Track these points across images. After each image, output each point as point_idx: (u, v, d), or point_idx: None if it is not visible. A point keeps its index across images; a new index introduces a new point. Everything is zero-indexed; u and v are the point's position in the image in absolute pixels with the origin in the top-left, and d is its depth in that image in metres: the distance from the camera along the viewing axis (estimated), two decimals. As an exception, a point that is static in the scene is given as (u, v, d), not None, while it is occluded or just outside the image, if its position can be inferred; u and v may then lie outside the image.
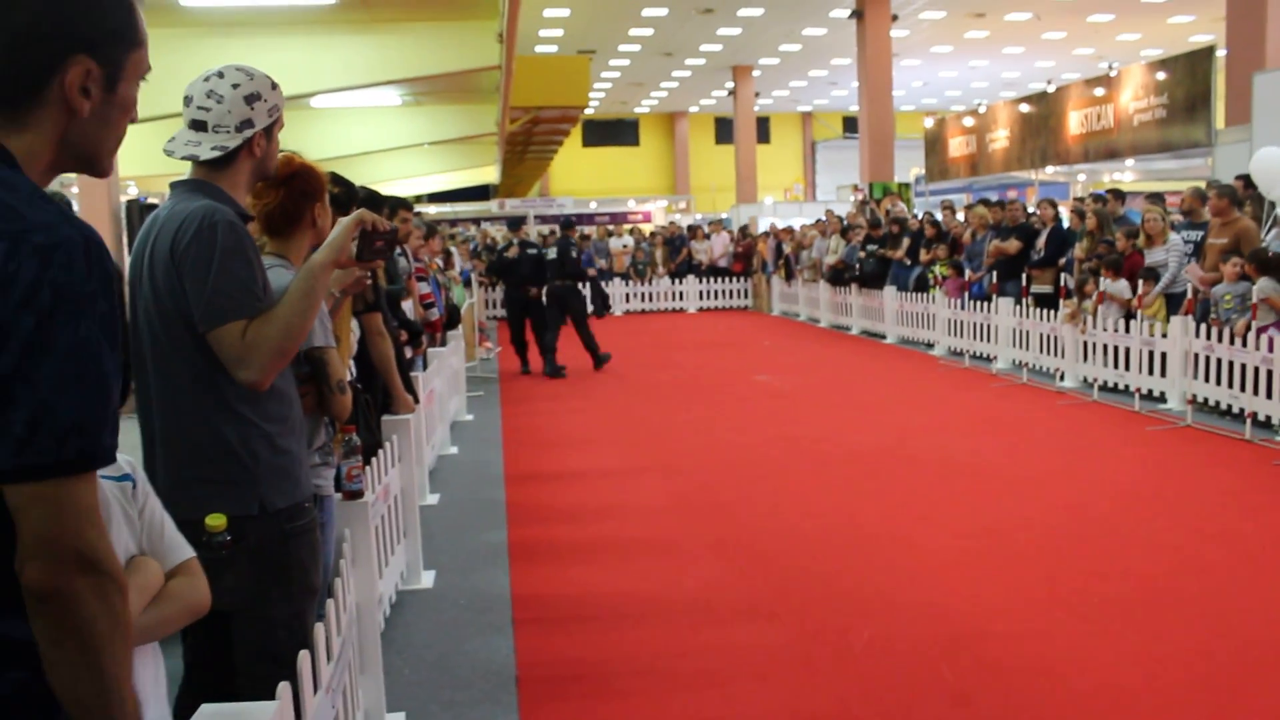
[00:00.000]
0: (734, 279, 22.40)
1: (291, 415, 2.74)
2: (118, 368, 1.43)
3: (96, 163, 1.56)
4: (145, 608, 1.77)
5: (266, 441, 2.64)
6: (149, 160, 12.86)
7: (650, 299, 22.22)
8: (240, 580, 2.61)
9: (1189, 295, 9.59)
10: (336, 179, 4.65)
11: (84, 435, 1.38)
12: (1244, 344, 8.53)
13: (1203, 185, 11.64)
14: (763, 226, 25.37)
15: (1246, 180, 10.28)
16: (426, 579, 5.52)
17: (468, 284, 14.44)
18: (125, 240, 9.74)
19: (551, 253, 13.18)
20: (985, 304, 12.57)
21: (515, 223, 14.43)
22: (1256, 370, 8.38)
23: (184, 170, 2.76)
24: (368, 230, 2.75)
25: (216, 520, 2.52)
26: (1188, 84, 15.44)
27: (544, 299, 13.04)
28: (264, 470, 2.63)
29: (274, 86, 2.72)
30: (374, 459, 4.58)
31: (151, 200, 15.00)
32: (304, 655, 2.62)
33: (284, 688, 2.43)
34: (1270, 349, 8.22)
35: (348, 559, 3.70)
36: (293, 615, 2.74)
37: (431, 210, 37.77)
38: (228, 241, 2.54)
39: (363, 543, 3.96)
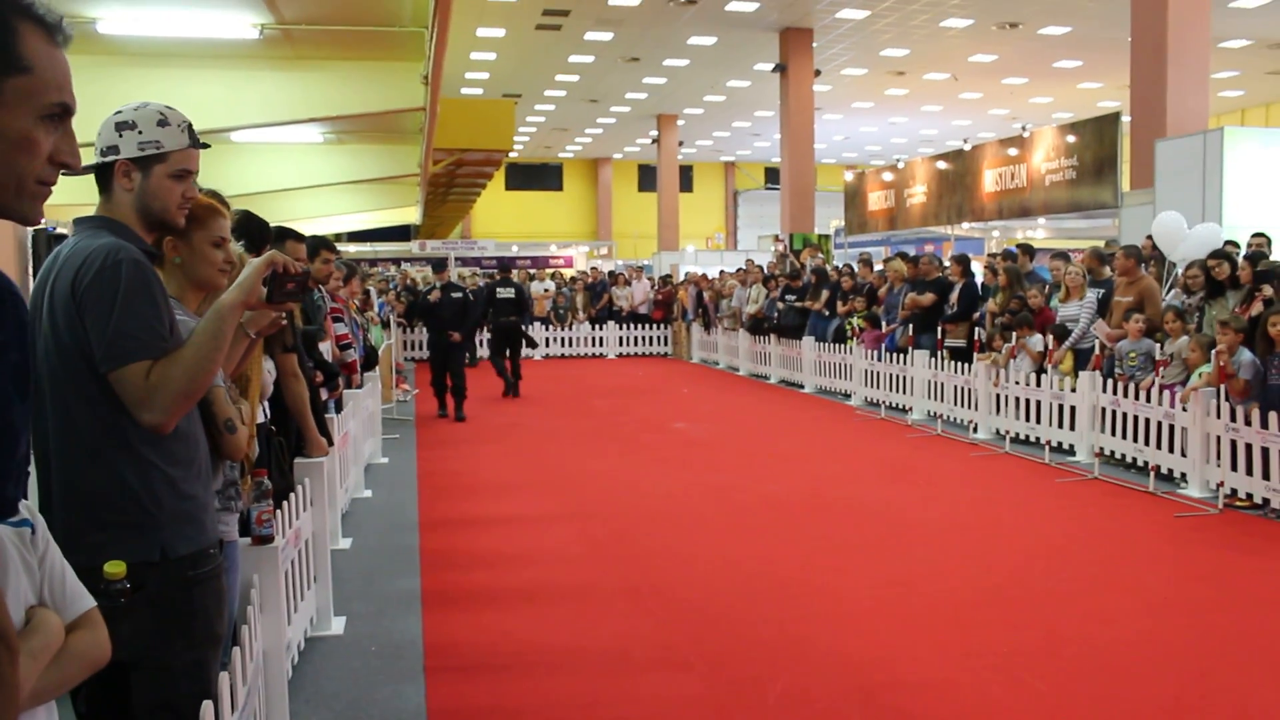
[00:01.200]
0: (654, 326, 22.51)
1: (197, 458, 2.66)
2: (27, 419, 1.37)
3: None
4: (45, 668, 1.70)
5: (169, 486, 2.55)
6: (60, 190, 12.55)
7: (570, 344, 22.21)
8: (140, 629, 2.51)
9: (1096, 351, 9.87)
10: (250, 218, 4.58)
11: None
12: (1149, 399, 8.78)
13: (1102, 245, 12.05)
14: (684, 274, 25.57)
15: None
16: (337, 625, 5.40)
17: (386, 325, 14.31)
18: (30, 271, 9.47)
19: (509, 291, 14.83)
20: (901, 356, 12.78)
21: (439, 264, 14.34)
22: (1160, 425, 8.62)
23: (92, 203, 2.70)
24: (279, 272, 2.70)
25: (115, 567, 2.43)
26: (1096, 147, 15.97)
27: (482, 337, 13.42)
28: (166, 515, 2.54)
29: (163, 124, 2.63)
30: (285, 502, 4.48)
31: (61, 230, 14.62)
32: (207, 705, 2.54)
33: (184, 740, 2.35)
34: (1173, 404, 8.47)
35: (255, 605, 3.60)
36: (195, 664, 2.64)
37: (352, 249, 37.42)
38: (132, 280, 2.47)
39: (271, 588, 3.86)
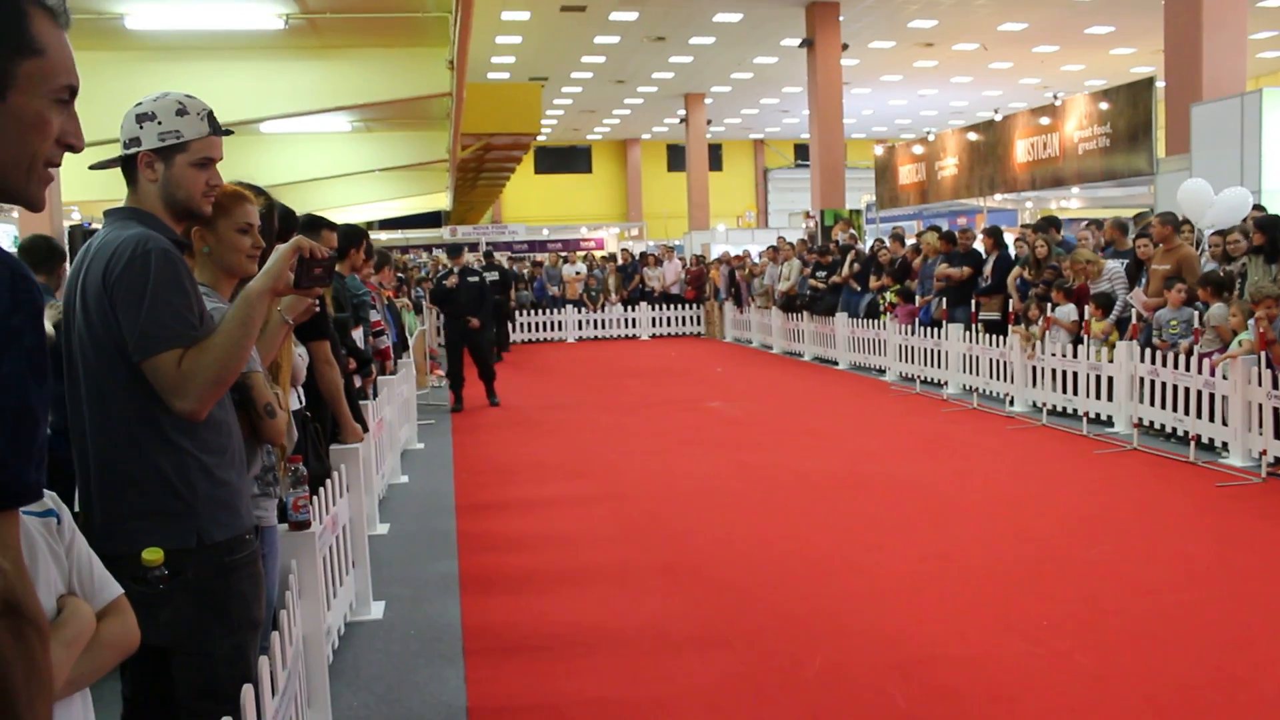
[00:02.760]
0: (687, 306, 22.47)
1: (230, 445, 2.69)
2: (45, 403, 1.38)
3: (4, 184, 1.47)
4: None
5: (204, 473, 2.58)
6: (93, 185, 12.69)
7: (603, 326, 22.21)
8: (178, 615, 2.55)
9: (1133, 320, 9.76)
10: (315, 221, 4.64)
11: (6, 471, 1.32)
12: (1187, 368, 8.67)
13: (1124, 216, 11.92)
14: (715, 253, 25.48)
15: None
16: (376, 610, 5.45)
17: (419, 311, 14.36)
18: (68, 265, 9.57)
19: (495, 275, 13.49)
20: (935, 330, 12.69)
21: (455, 249, 13.62)
22: (1199, 394, 8.52)
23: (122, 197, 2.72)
24: (305, 257, 2.72)
25: (153, 554, 2.46)
26: (1129, 114, 15.73)
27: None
28: (202, 502, 2.57)
29: (182, 113, 2.64)
30: (322, 488, 4.52)
31: (95, 225, 14.79)
32: (247, 690, 2.56)
33: (225, 723, 2.38)
34: (1212, 373, 8.36)
35: (294, 590, 3.63)
36: (234, 649, 2.67)
37: (383, 237, 37.60)
38: (162, 270, 2.49)
39: (309, 574, 3.90)
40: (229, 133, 2.77)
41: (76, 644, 1.72)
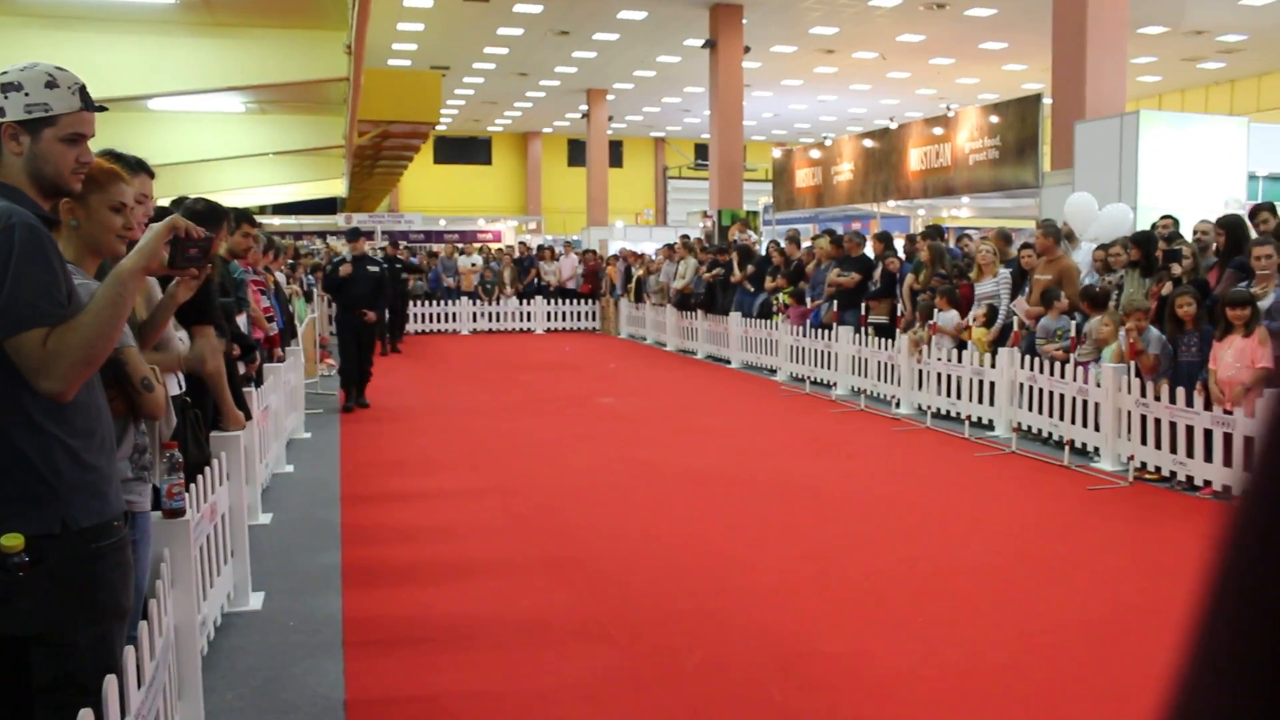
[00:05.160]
0: (582, 301, 22.47)
1: (99, 429, 2.61)
2: None
3: None
4: None
5: (70, 456, 2.50)
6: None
7: (497, 319, 22.09)
8: (40, 603, 2.47)
9: (1015, 328, 10.06)
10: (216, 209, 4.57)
11: None
12: (1063, 375, 8.97)
13: (1007, 227, 12.29)
14: (613, 249, 25.52)
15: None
16: (255, 600, 5.34)
17: (309, 299, 14.09)
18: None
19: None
20: (826, 332, 12.91)
21: (354, 233, 12.60)
22: (1074, 400, 8.82)
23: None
24: (180, 237, 2.65)
25: (13, 540, 2.38)
26: (1018, 128, 16.20)
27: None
28: (67, 487, 2.49)
29: (52, 86, 2.55)
30: (200, 476, 4.42)
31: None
32: (110, 680, 2.50)
33: (85, 714, 2.31)
34: (1086, 380, 8.67)
35: (165, 579, 3.55)
36: (98, 639, 2.60)
37: (276, 222, 36.80)
38: (26, 244, 2.40)
39: (183, 562, 3.81)
40: (103, 109, 2.68)
41: None
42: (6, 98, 2.53)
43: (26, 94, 2.53)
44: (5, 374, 2.41)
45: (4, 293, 2.37)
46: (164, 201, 5.36)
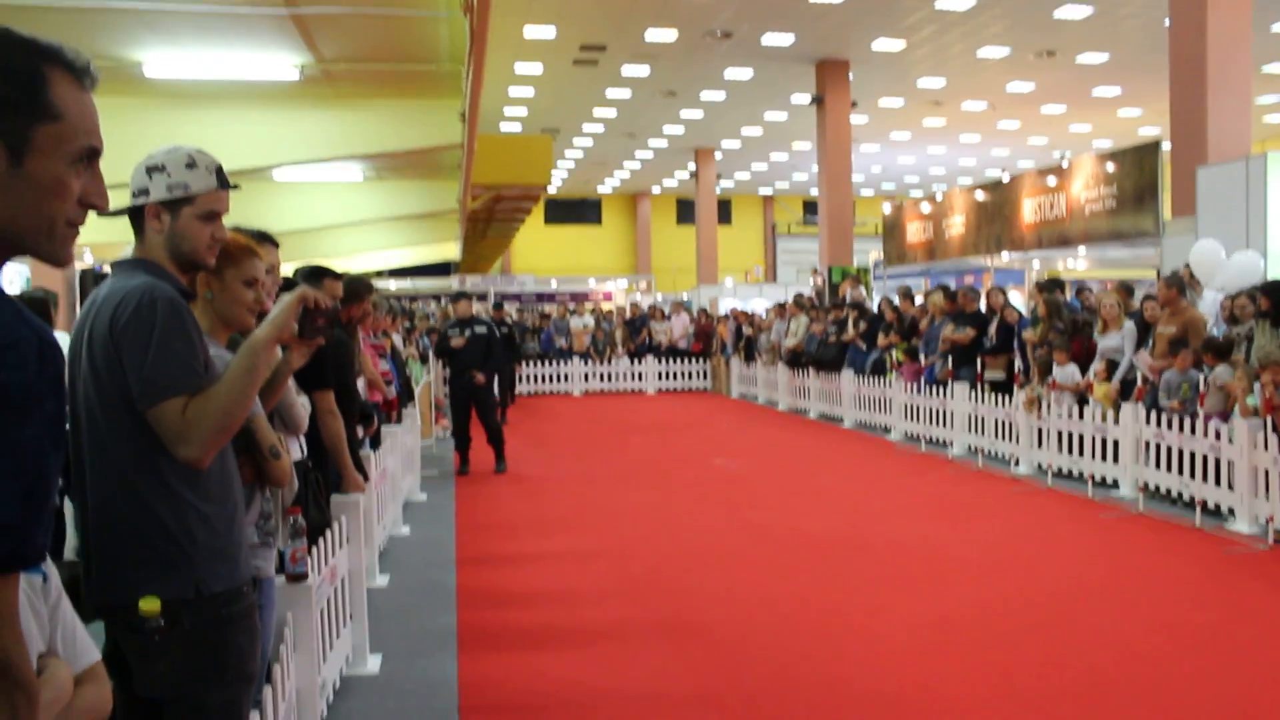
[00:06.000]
0: (693, 360, 22.48)
1: (231, 495, 2.69)
2: (59, 470, 1.39)
3: (27, 246, 1.48)
4: None
5: (204, 522, 2.57)
6: (105, 228, 12.78)
7: (609, 379, 22.22)
8: (174, 666, 2.53)
9: (1139, 383, 9.73)
10: (319, 271, 4.77)
11: (16, 535, 1.33)
12: (1193, 431, 8.63)
13: (1127, 278, 11.91)
14: (723, 308, 25.54)
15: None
16: (373, 664, 5.40)
17: (425, 361, 14.38)
18: (78, 306, 9.63)
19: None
20: (941, 389, 12.67)
21: (459, 296, 12.49)
22: (1205, 458, 8.47)
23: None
24: (310, 308, 2.73)
25: (150, 604, 2.45)
26: (1136, 176, 15.81)
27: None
28: (201, 552, 2.56)
29: (191, 166, 2.68)
30: (321, 539, 4.50)
31: (107, 269, 14.89)
32: (238, 746, 2.54)
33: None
34: (1218, 437, 8.32)
35: (289, 644, 3.61)
36: (228, 703, 2.66)
37: (392, 285, 37.77)
38: (168, 318, 2.51)
39: (305, 627, 3.87)
40: (236, 187, 2.80)
41: (52, 708, 1.70)
42: (151, 179, 2.67)
43: (169, 175, 2.66)
44: (145, 442, 2.50)
45: (147, 364, 2.47)
46: (287, 269, 5.53)
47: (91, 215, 1.62)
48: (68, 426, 2.62)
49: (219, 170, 2.73)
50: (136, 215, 2.70)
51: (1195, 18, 13.29)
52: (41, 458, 1.35)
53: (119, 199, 2.78)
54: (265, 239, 3.76)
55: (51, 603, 1.82)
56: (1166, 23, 14.41)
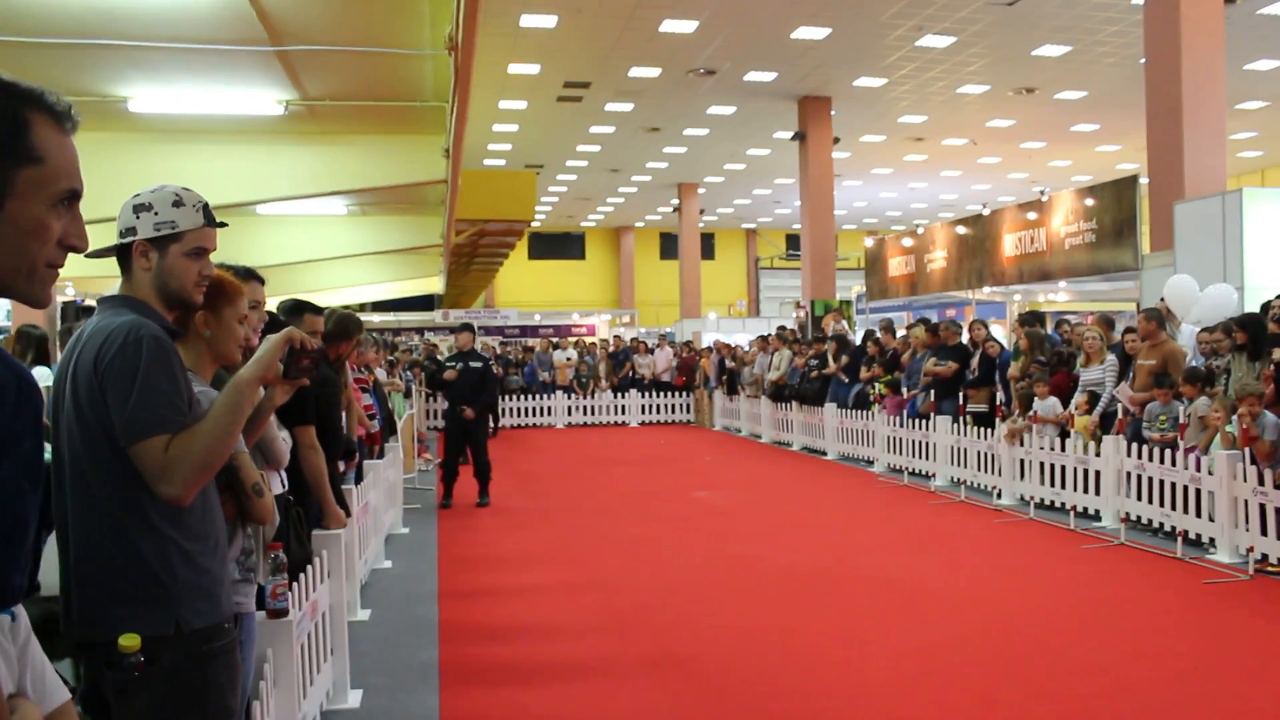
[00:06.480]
0: (676, 393, 22.50)
1: (213, 532, 2.69)
2: (36, 509, 1.39)
3: (5, 286, 1.49)
4: None
5: (185, 559, 2.57)
6: (87, 262, 12.74)
7: (592, 412, 22.22)
8: (153, 703, 2.52)
9: (1120, 415, 9.80)
10: (301, 306, 4.83)
11: None
12: (1174, 463, 8.69)
13: (1109, 312, 11.99)
14: (706, 341, 25.59)
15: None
16: (353, 699, 5.36)
17: (408, 394, 14.36)
18: (58, 342, 9.60)
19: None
20: (923, 422, 12.71)
21: (463, 328, 12.33)
22: (1186, 489, 8.52)
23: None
24: (295, 348, 2.75)
25: (130, 640, 2.44)
26: (1115, 210, 15.97)
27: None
28: (182, 589, 2.56)
29: (178, 205, 2.71)
30: (302, 574, 4.48)
31: (89, 302, 14.82)
32: (216, 783, 2.52)
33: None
34: (1198, 468, 8.37)
35: (269, 680, 3.59)
36: (208, 740, 2.64)
37: (375, 319, 37.75)
38: (152, 356, 2.52)
39: (285, 663, 3.85)
40: (223, 225, 2.82)
41: None
42: (139, 218, 2.69)
43: (155, 213, 2.69)
44: (126, 478, 2.51)
45: (131, 401, 2.48)
46: (271, 304, 5.54)
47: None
48: (49, 461, 2.63)
49: (206, 208, 2.76)
50: (124, 253, 2.71)
51: (1170, 57, 13.49)
52: (18, 499, 1.36)
53: (105, 234, 2.81)
54: (251, 275, 3.78)
55: (20, 643, 1.81)
56: (1142, 61, 14.62)
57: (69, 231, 1.55)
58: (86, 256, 2.88)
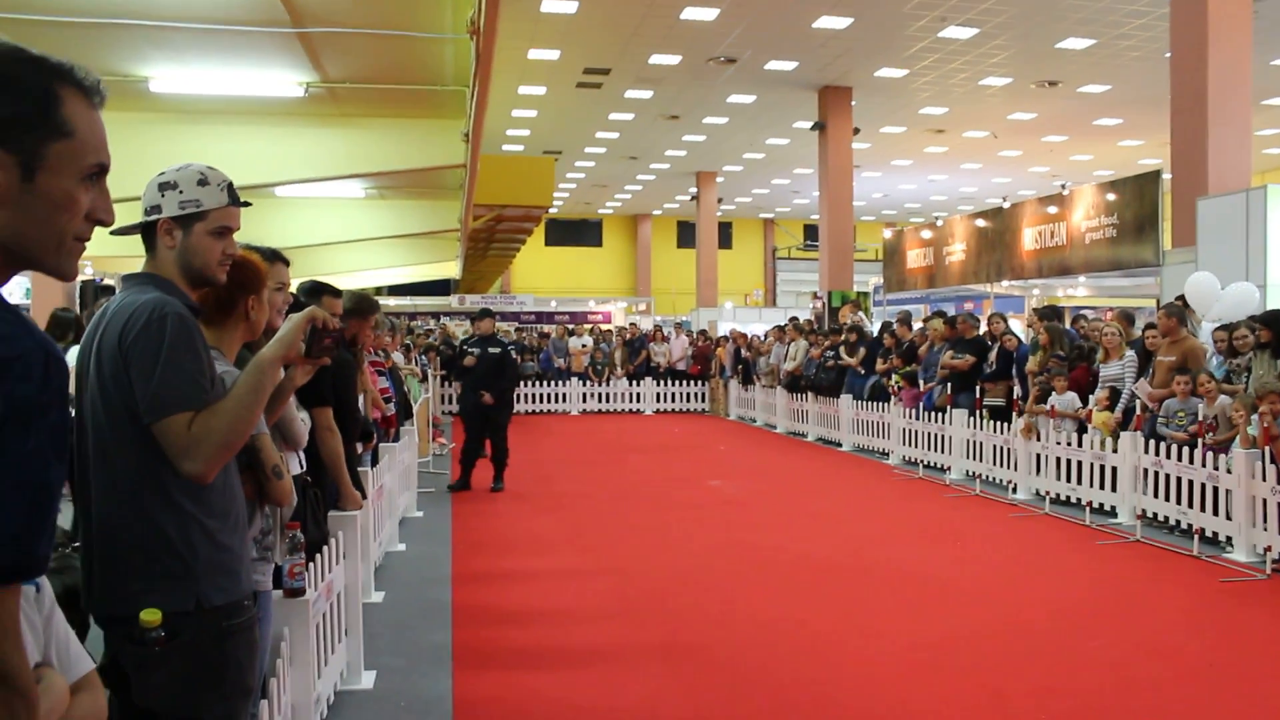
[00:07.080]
0: (692, 382, 22.49)
1: (234, 510, 2.70)
2: (62, 480, 1.40)
3: (34, 260, 1.51)
4: None
5: (206, 536, 2.59)
6: (106, 241, 12.80)
7: (607, 400, 22.22)
8: (173, 678, 2.54)
9: (1138, 411, 9.74)
10: (319, 288, 4.85)
11: (18, 546, 1.34)
12: (1191, 461, 8.64)
13: (1129, 308, 11.90)
14: (722, 330, 25.56)
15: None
16: (367, 679, 5.39)
17: (424, 379, 14.38)
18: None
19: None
20: (939, 415, 12.68)
21: (483, 314, 12.30)
22: (1203, 486, 8.48)
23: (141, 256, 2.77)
24: (318, 328, 2.76)
25: (151, 615, 2.46)
26: (1136, 205, 15.87)
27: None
28: (203, 566, 2.57)
29: (203, 183, 2.71)
30: (319, 555, 4.50)
31: (108, 281, 14.89)
32: (233, 758, 2.53)
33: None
34: (1216, 466, 8.33)
35: (285, 658, 3.61)
36: (224, 716, 2.66)
37: (392, 303, 37.81)
38: (176, 334, 2.52)
39: (301, 642, 3.87)
40: (247, 204, 2.82)
41: (50, 717, 1.71)
42: (164, 196, 2.70)
43: (181, 191, 2.69)
44: (150, 456, 2.52)
45: (155, 379, 2.49)
46: (294, 285, 5.55)
47: (99, 230, 1.64)
48: (73, 437, 2.64)
49: (230, 187, 2.77)
50: (148, 231, 2.72)
51: (1196, 51, 13.37)
52: (45, 470, 1.37)
53: (126, 213, 2.81)
54: (277, 257, 3.79)
55: (45, 614, 1.83)
56: (1167, 55, 14.50)
57: (97, 205, 1.56)
58: (112, 233, 2.89)
